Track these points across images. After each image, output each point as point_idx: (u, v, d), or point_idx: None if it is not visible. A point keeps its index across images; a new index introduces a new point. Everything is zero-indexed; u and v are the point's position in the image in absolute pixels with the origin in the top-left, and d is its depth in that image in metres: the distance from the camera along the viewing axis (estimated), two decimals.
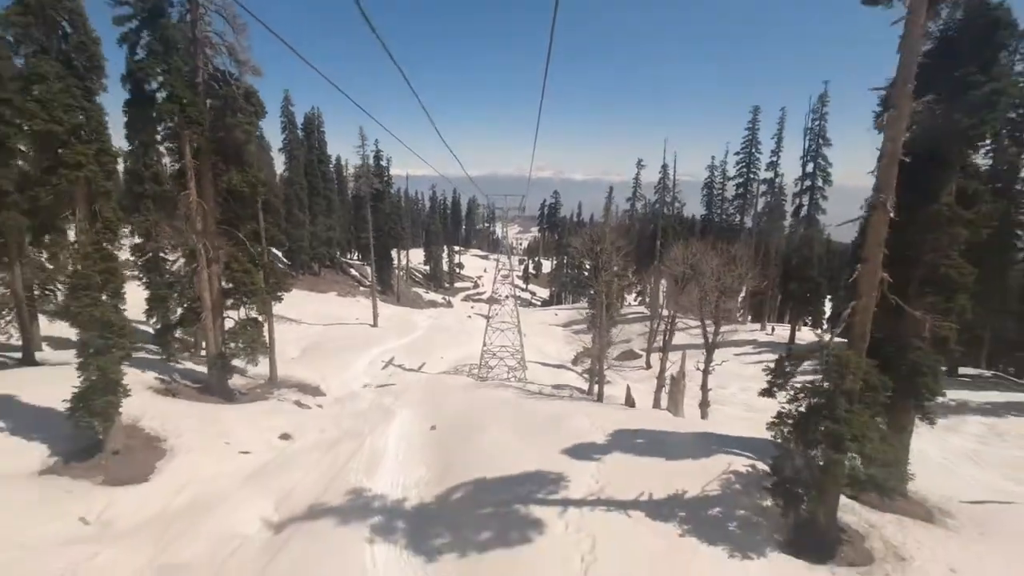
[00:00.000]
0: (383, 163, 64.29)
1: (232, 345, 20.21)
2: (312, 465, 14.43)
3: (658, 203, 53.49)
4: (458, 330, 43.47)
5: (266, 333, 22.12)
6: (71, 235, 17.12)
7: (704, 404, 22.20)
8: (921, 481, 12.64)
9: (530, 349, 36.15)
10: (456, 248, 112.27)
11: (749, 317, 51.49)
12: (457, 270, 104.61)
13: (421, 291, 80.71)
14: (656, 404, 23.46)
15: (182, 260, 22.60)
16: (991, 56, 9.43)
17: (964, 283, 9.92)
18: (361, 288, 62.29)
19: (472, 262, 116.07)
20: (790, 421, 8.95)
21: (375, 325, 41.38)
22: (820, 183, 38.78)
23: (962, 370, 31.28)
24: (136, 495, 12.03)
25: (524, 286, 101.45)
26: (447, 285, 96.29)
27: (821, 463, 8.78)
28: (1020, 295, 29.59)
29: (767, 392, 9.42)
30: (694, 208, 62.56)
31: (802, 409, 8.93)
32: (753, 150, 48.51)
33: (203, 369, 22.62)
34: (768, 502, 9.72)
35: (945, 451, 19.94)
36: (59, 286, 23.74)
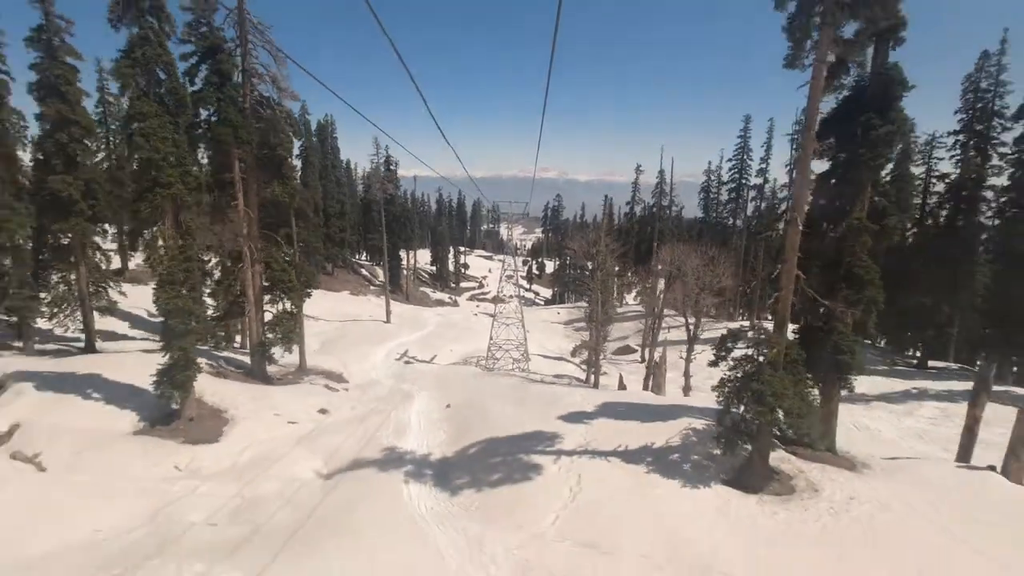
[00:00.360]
0: (392, 167, 67.12)
1: (270, 335, 23.06)
2: (349, 432, 17.25)
3: (655, 207, 56.18)
4: (465, 327, 46.30)
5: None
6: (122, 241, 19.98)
7: (687, 388, 24.95)
8: (864, 449, 15.38)
9: (532, 344, 38.95)
10: (462, 249, 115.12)
11: (743, 313, 54.17)
12: (463, 270, 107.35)
13: (428, 291, 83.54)
14: (645, 389, 26.21)
15: (215, 260, 25.55)
16: (889, 105, 12.12)
17: (871, 280, 12.61)
18: (372, 287, 65.25)
19: (477, 263, 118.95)
20: (729, 385, 11.70)
21: (388, 321, 44.24)
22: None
23: (931, 363, 33.91)
24: (211, 452, 14.87)
25: (528, 286, 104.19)
26: (453, 285, 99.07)
27: (753, 417, 11.53)
28: (985, 295, 32.07)
29: (713, 363, 12.16)
30: (695, 210, 65.16)
31: (739, 375, 11.67)
32: (745, 157, 51.18)
33: (240, 357, 25.60)
34: (717, 450, 12.47)
35: (899, 430, 22.57)
36: (110, 285, 26.86)
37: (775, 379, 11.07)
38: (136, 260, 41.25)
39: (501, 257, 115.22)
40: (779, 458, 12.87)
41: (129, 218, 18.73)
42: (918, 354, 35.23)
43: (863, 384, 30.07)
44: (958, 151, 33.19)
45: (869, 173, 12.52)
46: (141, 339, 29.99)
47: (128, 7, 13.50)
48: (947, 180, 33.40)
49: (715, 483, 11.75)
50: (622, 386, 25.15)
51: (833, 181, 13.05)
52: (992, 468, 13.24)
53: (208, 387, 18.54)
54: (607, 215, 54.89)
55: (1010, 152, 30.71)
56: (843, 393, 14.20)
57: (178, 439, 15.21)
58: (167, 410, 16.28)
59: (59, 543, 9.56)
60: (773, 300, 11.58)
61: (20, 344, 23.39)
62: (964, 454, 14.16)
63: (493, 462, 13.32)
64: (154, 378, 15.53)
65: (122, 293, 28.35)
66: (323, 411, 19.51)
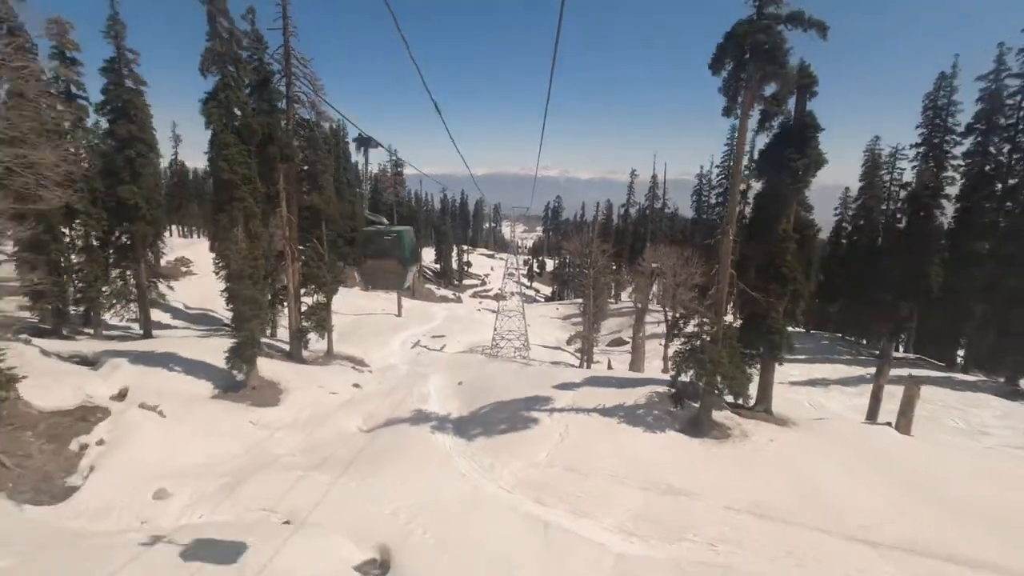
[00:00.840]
0: (400, 171, 70.77)
1: (306, 323, 26.77)
2: (379, 401, 20.98)
3: (648, 209, 59.85)
4: (470, 320, 50.04)
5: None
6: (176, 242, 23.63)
7: (665, 371, 28.67)
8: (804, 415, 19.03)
9: (532, 336, 42.68)
10: (464, 247, 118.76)
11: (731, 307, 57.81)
12: (465, 268, 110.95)
13: (433, 287, 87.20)
14: (629, 370, 29.94)
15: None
16: (806, 143, 15.77)
17: (794, 277, 16.27)
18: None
19: (479, 260, 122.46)
20: (679, 356, 15.40)
21: (399, 315, 47.94)
22: None
23: (893, 354, 37.54)
24: (274, 412, 18.61)
25: (528, 283, 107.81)
26: (456, 282, 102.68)
27: (695, 379, 15.24)
28: (939, 291, 35.65)
29: (669, 339, 15.83)
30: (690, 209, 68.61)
31: (687, 348, 15.37)
32: (731, 162, 54.72)
33: (278, 343, 29.32)
34: (673, 408, 16.18)
35: (847, 407, 26.17)
36: (160, 281, 30.68)
37: (714, 351, 14.77)
38: (167, 258, 45.07)
39: (503, 256, 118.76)
40: (723, 415, 16.57)
41: (211, 225, 22.19)
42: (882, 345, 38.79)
43: (826, 370, 33.87)
44: (918, 162, 36.85)
45: (791, 195, 16.19)
46: (183, 327, 33.85)
47: (215, 59, 17.20)
48: (907, 188, 37.04)
49: (669, 430, 15.47)
50: (609, 368, 28.85)
51: (764, 200, 16.74)
52: (889, 424, 16.97)
53: (262, 364, 22.26)
54: (597, 219, 58.34)
55: (961, 164, 34.26)
56: (776, 366, 17.85)
57: (247, 402, 18.94)
58: (235, 381, 20.02)
59: (190, 462, 13.32)
60: (714, 292, 15.28)
61: (91, 331, 27.11)
62: (871, 415, 17.91)
63: (499, 418, 17.05)
64: (225, 354, 19.30)
65: (170, 287, 32.11)
66: (356, 385, 23.26)
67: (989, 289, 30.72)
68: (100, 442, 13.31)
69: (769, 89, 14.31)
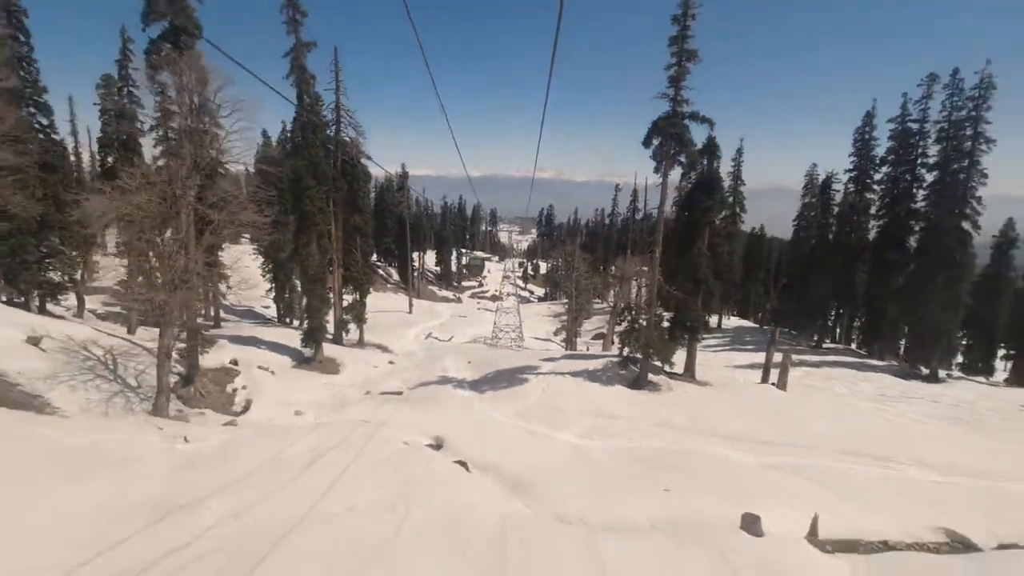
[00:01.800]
0: (410, 186, 77.89)
1: (346, 317, 33.87)
2: (412, 372, 28.13)
3: (630, 220, 67.29)
4: (473, 317, 57.27)
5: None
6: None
7: None
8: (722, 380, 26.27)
9: (526, 331, 49.99)
10: (463, 250, 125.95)
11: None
12: (464, 271, 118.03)
13: (435, 289, 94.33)
14: None
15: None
16: (713, 190, 23.06)
17: (704, 281, 23.53)
18: (388, 284, 75.97)
19: (477, 263, 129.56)
20: (624, 335, 22.64)
21: (410, 312, 55.09)
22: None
23: (826, 344, 45.03)
24: (339, 378, 25.72)
25: (523, 285, 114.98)
26: (456, 284, 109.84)
27: (634, 352, 22.49)
28: (863, 295, 43.03)
29: (618, 323, 23.06)
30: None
31: (628, 329, 22.63)
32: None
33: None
34: (623, 371, 23.41)
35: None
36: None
37: (647, 331, 22.05)
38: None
39: (499, 260, 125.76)
40: (659, 378, 23.82)
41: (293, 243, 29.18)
42: (816, 337, 46.27)
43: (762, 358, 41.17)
44: (850, 185, 44.35)
45: (704, 225, 23.52)
46: (235, 321, 40.83)
47: (301, 125, 24.37)
48: (837, 207, 44.60)
49: (618, 385, 22.72)
50: (587, 351, 36.05)
51: (686, 229, 24.08)
52: (774, 384, 24.31)
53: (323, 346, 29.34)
54: (580, 231, 65.52)
55: (878, 188, 41.78)
56: (698, 345, 25.12)
57: (316, 371, 26.07)
58: (304, 356, 27.14)
59: (303, 399, 20.48)
60: (646, 290, 22.56)
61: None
62: (764, 378, 25.21)
63: (501, 380, 24.26)
64: (300, 337, 26.45)
65: (229, 288, 39.11)
66: (391, 362, 30.45)
67: (898, 293, 38.22)
68: (244, 387, 20.47)
69: (682, 158, 21.64)
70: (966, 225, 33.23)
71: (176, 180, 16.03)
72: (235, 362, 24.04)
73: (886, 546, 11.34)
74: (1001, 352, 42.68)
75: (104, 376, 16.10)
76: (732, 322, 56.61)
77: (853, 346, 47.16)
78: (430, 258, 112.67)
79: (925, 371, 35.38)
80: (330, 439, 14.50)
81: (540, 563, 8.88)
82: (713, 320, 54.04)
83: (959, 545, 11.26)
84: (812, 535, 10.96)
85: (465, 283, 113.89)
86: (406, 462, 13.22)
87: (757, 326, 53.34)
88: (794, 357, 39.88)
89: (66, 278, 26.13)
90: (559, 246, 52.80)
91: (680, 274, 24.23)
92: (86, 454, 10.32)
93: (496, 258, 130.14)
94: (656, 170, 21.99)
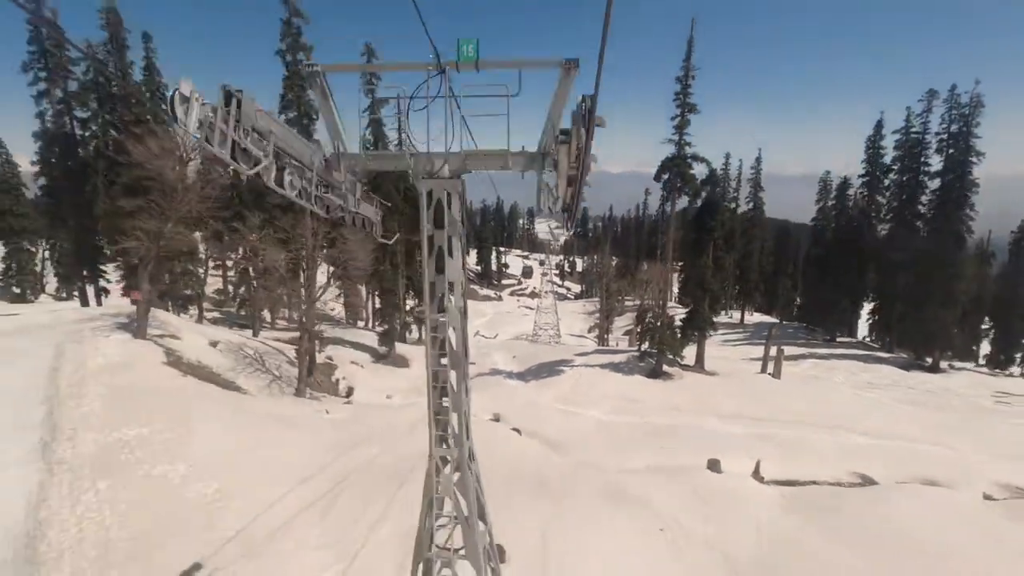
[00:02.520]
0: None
1: (409, 319, 39.98)
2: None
3: (659, 221, 71.42)
4: (515, 316, 63.07)
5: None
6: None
7: None
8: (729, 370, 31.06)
9: (563, 328, 55.32)
10: (501, 249, 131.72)
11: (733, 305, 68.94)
12: (504, 269, 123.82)
13: (476, 288, 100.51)
14: None
15: None
16: (715, 212, 27.76)
17: (710, 288, 28.30)
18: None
19: (515, 261, 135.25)
20: (643, 333, 27.72)
21: None
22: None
23: (840, 339, 48.62)
24: (410, 371, 31.70)
25: (560, 282, 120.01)
26: (496, 282, 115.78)
27: (651, 347, 27.57)
28: (874, 293, 46.33)
29: (636, 324, 28.15)
30: None
31: (646, 328, 27.70)
32: (727, 183, 65.78)
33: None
34: (642, 363, 28.54)
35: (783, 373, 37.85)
36: None
37: (662, 330, 27.08)
38: None
39: (537, 257, 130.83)
40: (672, 369, 28.80)
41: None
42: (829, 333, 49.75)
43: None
44: (862, 190, 47.66)
45: (707, 241, 28.31)
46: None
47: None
48: (851, 210, 48.00)
49: (638, 375, 27.85)
50: (616, 346, 41.13)
51: (694, 244, 28.90)
52: (770, 374, 28.97)
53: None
54: (610, 234, 69.99)
55: (888, 193, 45.05)
56: (708, 337, 29.94)
57: (392, 365, 32.14)
58: (379, 354, 33.27)
59: (388, 386, 26.50)
60: (659, 294, 27.60)
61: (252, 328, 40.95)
62: (764, 368, 29.85)
63: (542, 371, 29.73)
64: (377, 337, 32.59)
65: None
66: None
67: (903, 291, 41.72)
68: (344, 378, 26.65)
69: (687, 190, 26.54)
70: (962, 230, 36.63)
71: (317, 234, 22.24)
72: (330, 358, 30.31)
73: (814, 483, 16.31)
74: None
75: (260, 368, 22.37)
76: (755, 318, 60.37)
77: (870, 340, 50.46)
78: (471, 257, 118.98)
79: (928, 362, 38.91)
80: (419, 414, 20.27)
81: (567, 482, 14.38)
82: (736, 316, 58.14)
83: (864, 482, 16.12)
84: (756, 474, 16.07)
85: (505, 281, 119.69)
86: (480, 427, 18.85)
87: (777, 321, 56.96)
88: (805, 350, 43.99)
89: (195, 292, 33.03)
90: (592, 249, 57.35)
91: (690, 283, 29.12)
92: (282, 417, 16.39)
93: (534, 256, 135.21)
94: (665, 200, 26.95)
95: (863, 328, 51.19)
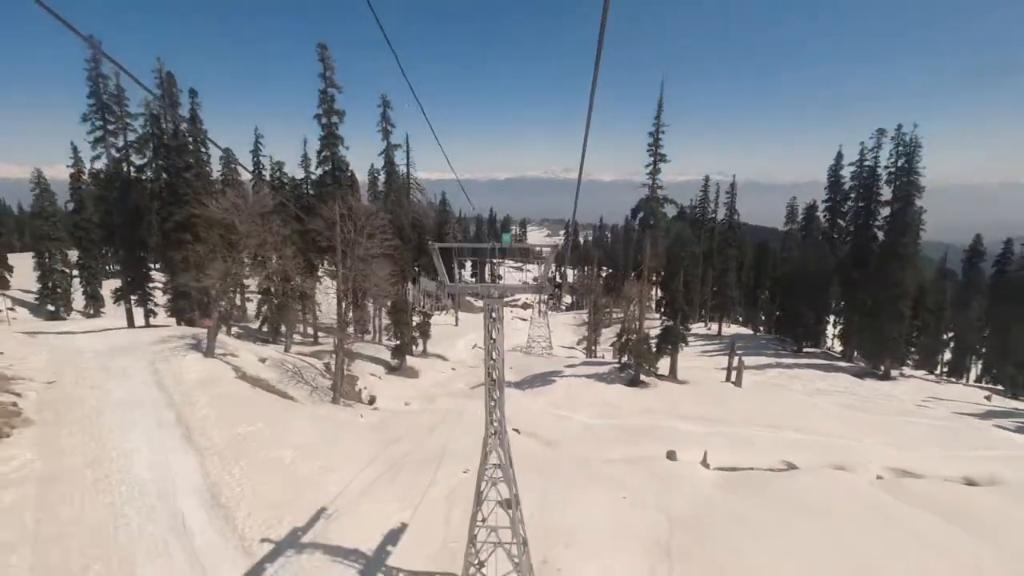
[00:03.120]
0: (449, 210, 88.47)
1: (415, 334, 44.32)
2: (469, 375, 38.28)
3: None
4: (510, 328, 67.28)
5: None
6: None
7: None
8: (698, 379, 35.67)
9: (554, 339, 59.80)
10: (495, 260, 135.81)
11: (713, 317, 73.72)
12: (498, 280, 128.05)
13: (472, 299, 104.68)
14: None
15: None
16: (686, 244, 32.41)
17: (680, 308, 32.92)
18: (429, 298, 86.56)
19: (508, 272, 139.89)
20: (622, 347, 32.26)
21: (456, 325, 65.44)
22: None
23: (806, 349, 53.47)
24: (420, 381, 36.07)
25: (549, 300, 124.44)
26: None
27: (629, 359, 32.09)
28: (836, 307, 51.31)
29: (617, 339, 32.70)
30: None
31: (624, 342, 32.24)
32: (706, 205, 70.87)
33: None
34: (622, 373, 33.05)
35: (750, 381, 42.54)
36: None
37: (638, 344, 31.63)
38: None
39: (529, 269, 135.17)
40: (650, 379, 33.33)
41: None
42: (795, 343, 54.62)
43: (750, 361, 49.99)
44: (825, 214, 52.77)
45: (679, 266, 32.96)
46: (323, 336, 51.66)
47: (394, 205, 34.81)
48: (815, 233, 53.05)
49: (618, 384, 32.35)
50: (602, 358, 45.63)
51: (668, 267, 33.54)
52: (732, 382, 33.60)
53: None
54: (606, 237, 74.66)
55: (847, 217, 50.15)
56: (681, 349, 34.54)
57: (403, 376, 36.46)
58: (391, 366, 37.57)
59: (404, 395, 30.82)
60: (634, 311, 32.22)
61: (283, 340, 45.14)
62: (728, 377, 34.48)
63: (535, 381, 34.17)
64: (390, 351, 36.91)
65: (318, 309, 50.11)
66: (453, 369, 40.75)
67: (860, 306, 46.65)
68: (365, 387, 30.93)
69: (658, 227, 31.19)
70: (907, 253, 41.65)
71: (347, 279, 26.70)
72: (350, 371, 34.60)
73: (751, 469, 20.85)
74: None
75: (300, 380, 26.63)
76: (731, 330, 65.27)
77: (834, 351, 55.38)
78: (466, 269, 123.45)
79: (880, 371, 43.76)
80: (436, 418, 24.73)
81: (558, 468, 18.84)
82: (714, 328, 63.02)
83: (788, 467, 20.70)
84: (703, 462, 20.60)
85: None
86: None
87: (752, 332, 61.81)
88: (773, 360, 48.78)
89: (233, 310, 37.22)
90: (582, 261, 61.78)
91: (664, 303, 33.74)
92: (335, 420, 20.73)
93: (527, 268, 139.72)
94: (639, 233, 31.56)
95: (834, 340, 56.20)
